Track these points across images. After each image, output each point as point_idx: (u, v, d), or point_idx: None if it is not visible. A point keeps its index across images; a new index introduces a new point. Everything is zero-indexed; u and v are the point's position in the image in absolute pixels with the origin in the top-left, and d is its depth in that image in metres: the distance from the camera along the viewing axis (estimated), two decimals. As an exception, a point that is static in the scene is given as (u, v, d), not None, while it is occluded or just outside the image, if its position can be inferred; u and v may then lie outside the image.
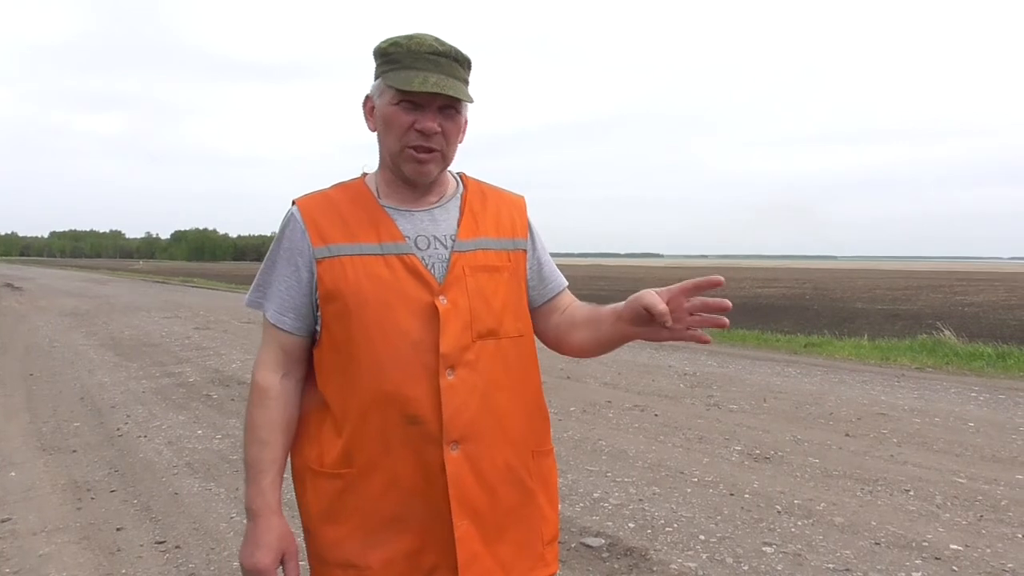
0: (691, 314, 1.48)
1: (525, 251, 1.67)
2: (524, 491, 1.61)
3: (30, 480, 5.11)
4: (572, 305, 1.74)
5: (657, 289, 1.48)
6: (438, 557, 1.52)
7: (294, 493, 1.64)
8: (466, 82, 1.56)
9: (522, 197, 1.76)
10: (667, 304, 1.46)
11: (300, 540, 1.62)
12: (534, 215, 1.76)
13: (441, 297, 1.51)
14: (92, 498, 4.75)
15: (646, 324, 1.50)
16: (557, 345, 1.74)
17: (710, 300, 1.46)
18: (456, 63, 1.52)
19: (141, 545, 4.01)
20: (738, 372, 9.45)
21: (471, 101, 1.55)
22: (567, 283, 1.78)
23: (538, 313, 1.72)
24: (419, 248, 1.54)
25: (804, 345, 11.85)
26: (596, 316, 1.63)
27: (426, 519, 1.52)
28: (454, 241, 1.57)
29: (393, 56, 1.51)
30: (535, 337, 1.71)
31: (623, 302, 1.55)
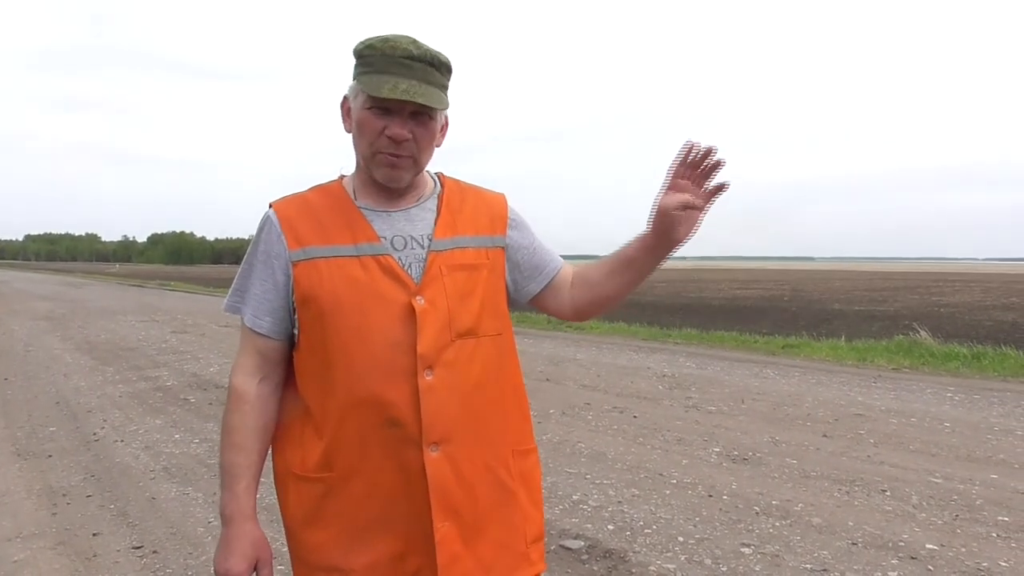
0: (695, 183, 1.51)
1: (503, 248, 1.66)
2: (504, 490, 1.60)
3: (4, 485, 5.05)
4: (581, 269, 1.74)
5: (662, 193, 1.52)
6: (421, 559, 1.52)
7: (276, 497, 1.63)
8: (443, 86, 1.53)
9: (502, 195, 1.74)
10: (680, 190, 1.51)
11: (278, 545, 1.61)
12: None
13: (418, 297, 1.50)
14: (68, 503, 4.70)
15: (675, 226, 1.51)
16: (578, 313, 1.74)
17: (698, 160, 1.50)
18: (431, 68, 1.50)
19: (118, 550, 3.97)
20: (717, 374, 9.50)
21: (444, 107, 1.53)
22: (563, 261, 1.77)
23: (545, 295, 1.72)
24: (395, 248, 1.54)
25: (782, 346, 11.92)
26: (623, 259, 1.63)
27: (408, 521, 1.51)
28: (431, 240, 1.56)
29: (367, 59, 1.50)
30: (547, 320, 1.73)
31: (643, 233, 1.57)
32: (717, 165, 1.49)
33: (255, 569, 1.57)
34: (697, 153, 1.48)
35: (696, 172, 1.50)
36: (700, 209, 1.52)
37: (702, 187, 1.52)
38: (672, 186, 1.51)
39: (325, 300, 1.49)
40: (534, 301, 1.74)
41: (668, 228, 1.52)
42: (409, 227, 1.57)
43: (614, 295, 1.69)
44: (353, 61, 1.55)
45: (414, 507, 1.51)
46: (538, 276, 1.71)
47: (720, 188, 1.52)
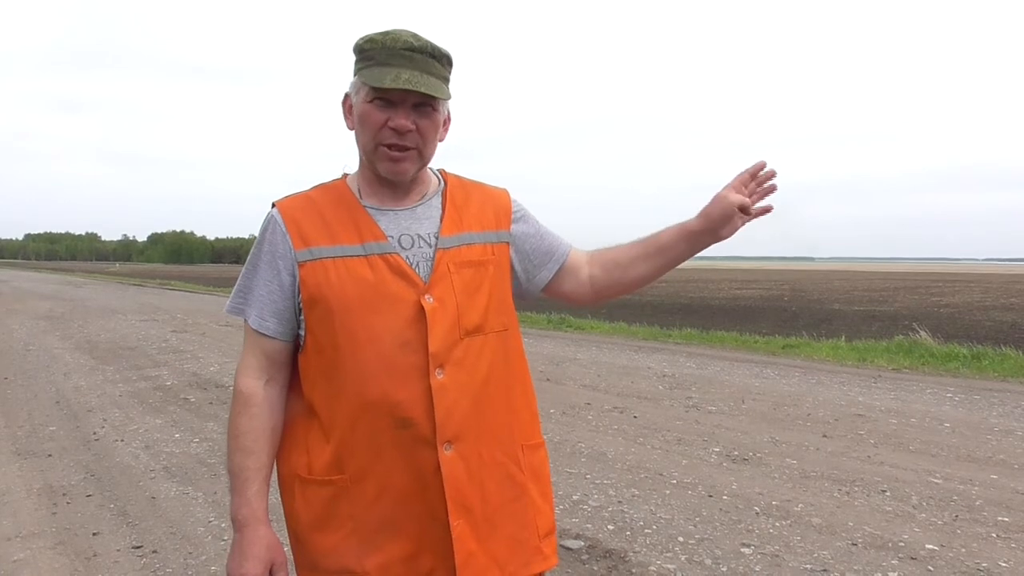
0: (751, 196, 1.65)
1: (508, 243, 1.66)
2: (515, 486, 1.60)
3: (4, 485, 5.04)
4: (601, 252, 1.75)
5: (728, 189, 1.63)
6: (435, 559, 1.51)
7: (280, 500, 1.62)
8: (445, 79, 1.53)
9: (505, 190, 1.74)
10: (740, 194, 1.63)
11: (286, 548, 1.60)
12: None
13: (427, 296, 1.50)
14: (68, 503, 4.70)
15: (726, 220, 1.61)
16: (598, 294, 1.76)
17: (754, 173, 1.65)
18: (432, 59, 1.50)
19: (118, 550, 3.97)
20: (717, 374, 9.49)
21: (447, 98, 1.52)
22: (572, 244, 1.79)
23: (560, 279, 1.73)
24: (403, 247, 1.53)
25: (782, 346, 11.91)
26: (657, 244, 1.68)
27: (421, 522, 1.51)
28: (437, 238, 1.56)
29: (368, 53, 1.50)
30: (572, 303, 1.78)
31: (686, 221, 1.66)
32: (773, 188, 1.65)
33: (270, 573, 1.56)
34: (764, 172, 1.64)
35: (755, 187, 1.64)
36: (748, 216, 1.64)
37: (755, 202, 1.64)
38: (735, 188, 1.63)
39: (333, 301, 1.48)
40: (549, 288, 1.74)
41: (721, 220, 1.62)
42: (416, 225, 1.56)
43: (640, 279, 1.71)
44: (353, 58, 1.55)
45: (427, 507, 1.50)
46: (549, 262, 1.72)
47: (767, 209, 1.66)
